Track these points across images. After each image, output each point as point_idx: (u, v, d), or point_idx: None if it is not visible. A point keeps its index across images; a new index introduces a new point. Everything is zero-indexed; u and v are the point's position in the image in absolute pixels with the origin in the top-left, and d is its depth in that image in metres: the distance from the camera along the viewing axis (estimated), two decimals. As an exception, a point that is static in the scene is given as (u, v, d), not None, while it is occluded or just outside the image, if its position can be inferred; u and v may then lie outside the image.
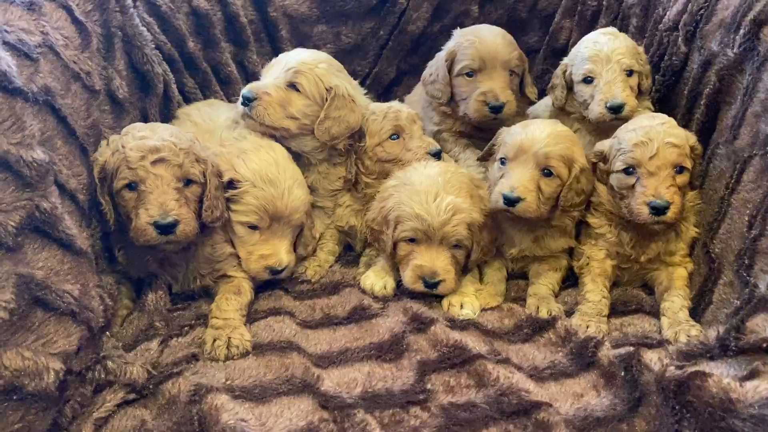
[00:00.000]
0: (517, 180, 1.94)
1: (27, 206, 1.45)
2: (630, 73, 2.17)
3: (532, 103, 2.56)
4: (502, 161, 2.02)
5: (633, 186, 1.87)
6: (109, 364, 1.58)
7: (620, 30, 2.61)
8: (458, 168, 2.17)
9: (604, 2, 2.73)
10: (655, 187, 1.83)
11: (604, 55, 2.17)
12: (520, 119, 2.35)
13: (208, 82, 2.70)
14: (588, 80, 2.20)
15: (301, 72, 2.17)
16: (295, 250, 2.11)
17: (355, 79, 3.03)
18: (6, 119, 1.46)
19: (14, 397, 1.35)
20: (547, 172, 1.95)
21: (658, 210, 1.82)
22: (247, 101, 2.13)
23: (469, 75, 2.34)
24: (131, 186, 1.76)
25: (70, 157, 1.76)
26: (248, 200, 1.98)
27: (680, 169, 1.86)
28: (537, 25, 3.03)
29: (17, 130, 1.48)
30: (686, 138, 1.89)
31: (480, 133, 2.46)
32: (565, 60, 2.33)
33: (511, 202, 1.93)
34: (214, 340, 1.75)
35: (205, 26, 2.67)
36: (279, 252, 2.02)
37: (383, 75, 3.05)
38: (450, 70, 2.38)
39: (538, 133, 1.97)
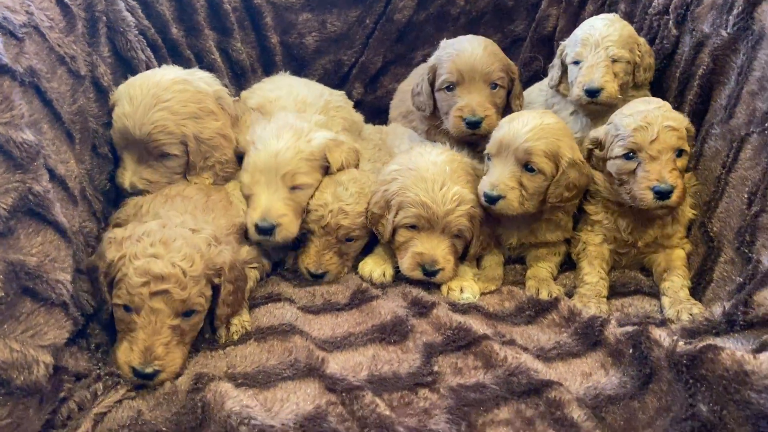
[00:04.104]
0: (497, 177, 1.92)
1: (20, 188, 1.39)
2: (615, 60, 2.16)
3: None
4: (488, 157, 1.99)
5: (634, 171, 1.85)
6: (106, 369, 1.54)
7: (608, 16, 2.64)
8: (463, 157, 2.12)
9: (590, -12, 2.73)
10: (659, 171, 1.81)
11: (594, 39, 2.17)
12: None
13: (192, 70, 2.64)
14: (577, 62, 2.20)
15: None
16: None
17: (341, 68, 3.03)
18: (-6, 98, 1.40)
19: (2, 391, 1.29)
20: (529, 168, 1.91)
21: (662, 194, 1.81)
22: None
23: (449, 89, 2.26)
24: (126, 308, 1.56)
25: (57, 142, 1.69)
26: None
27: (680, 153, 1.85)
28: (523, 13, 3.01)
29: (6, 110, 1.41)
30: (683, 121, 1.89)
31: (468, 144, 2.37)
32: (564, 42, 2.32)
33: (491, 199, 1.91)
34: (214, 321, 1.70)
35: (188, 12, 2.60)
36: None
37: (369, 64, 3.01)
38: (432, 83, 2.32)
39: (520, 127, 1.92)
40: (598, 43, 2.16)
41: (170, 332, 1.55)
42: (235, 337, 1.71)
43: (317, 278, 2.03)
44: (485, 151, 2.01)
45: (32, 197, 1.42)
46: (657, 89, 2.21)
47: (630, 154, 1.86)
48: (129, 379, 1.54)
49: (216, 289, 1.66)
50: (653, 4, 2.34)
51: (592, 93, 2.12)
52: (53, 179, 1.56)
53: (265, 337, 1.68)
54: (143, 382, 1.54)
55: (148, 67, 2.31)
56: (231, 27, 2.75)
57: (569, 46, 2.26)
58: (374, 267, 2.02)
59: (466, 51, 2.25)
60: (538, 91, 2.54)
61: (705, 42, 2.05)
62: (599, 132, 1.98)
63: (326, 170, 2.10)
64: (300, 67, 2.96)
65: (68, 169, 1.70)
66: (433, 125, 2.40)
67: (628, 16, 2.51)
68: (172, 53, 2.54)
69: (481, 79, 2.22)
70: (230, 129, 2.10)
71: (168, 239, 1.61)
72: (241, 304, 1.77)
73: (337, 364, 1.58)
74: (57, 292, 1.42)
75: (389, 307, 1.81)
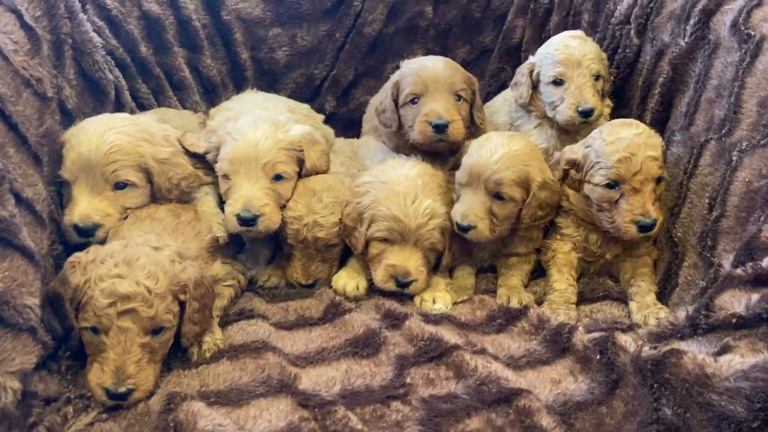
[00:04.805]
0: (467, 207, 1.94)
1: (-16, 214, 1.38)
2: (597, 77, 2.21)
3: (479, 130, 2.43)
4: (458, 184, 2.01)
5: (616, 201, 1.87)
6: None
7: (572, 26, 2.69)
8: (435, 170, 2.13)
9: (555, 0, 2.78)
10: (642, 204, 1.83)
11: (575, 59, 2.19)
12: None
13: (162, 88, 2.64)
14: (558, 82, 2.22)
15: None
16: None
17: (313, 82, 3.05)
18: (-43, 124, 1.39)
19: (-31, 419, 1.28)
20: (500, 197, 1.94)
21: (646, 228, 1.84)
22: None
23: (413, 101, 2.25)
24: (94, 330, 1.55)
25: (24, 165, 1.68)
26: None
27: (659, 179, 1.88)
28: (491, 25, 3.05)
29: (-31, 136, 1.41)
30: (660, 145, 1.90)
31: (438, 161, 2.36)
32: (532, 59, 2.33)
33: (463, 229, 1.94)
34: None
35: (156, 30, 2.60)
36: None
37: (341, 77, 3.03)
38: (396, 100, 2.32)
39: (488, 156, 1.93)
40: (580, 62, 2.19)
41: (140, 350, 1.55)
42: (208, 355, 1.71)
43: (309, 287, 2.08)
44: (456, 182, 2.02)
45: (-2, 222, 1.42)
46: (620, 97, 2.26)
47: (612, 184, 1.87)
48: (103, 401, 1.53)
49: (183, 306, 1.67)
50: (615, 14, 2.39)
51: (587, 113, 2.16)
52: (20, 203, 1.56)
53: (237, 355, 1.69)
54: (117, 402, 1.53)
55: (116, 87, 2.32)
56: (200, 44, 2.76)
57: (543, 66, 2.26)
58: (348, 280, 2.03)
59: (429, 65, 2.28)
60: (503, 100, 2.57)
61: (665, 51, 2.10)
62: (576, 153, 1.98)
63: (301, 165, 2.12)
64: (271, 82, 2.98)
65: (36, 192, 1.69)
66: (399, 143, 2.40)
67: (592, 26, 2.57)
68: (141, 71, 2.54)
69: (445, 89, 2.23)
70: (181, 155, 2.09)
71: (131, 258, 1.61)
72: (209, 321, 1.77)
73: (309, 379, 1.59)
74: (25, 317, 1.42)
75: (362, 320, 1.82)
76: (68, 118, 2.03)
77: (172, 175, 1.99)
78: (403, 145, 2.37)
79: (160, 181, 1.98)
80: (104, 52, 2.26)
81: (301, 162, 2.11)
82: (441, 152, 2.31)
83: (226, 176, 2.04)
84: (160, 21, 2.60)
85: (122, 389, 1.51)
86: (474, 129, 2.33)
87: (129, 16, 2.49)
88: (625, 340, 1.54)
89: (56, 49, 2.03)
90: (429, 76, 2.24)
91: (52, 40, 2.01)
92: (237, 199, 1.98)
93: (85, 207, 1.88)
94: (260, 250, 2.20)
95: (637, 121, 1.94)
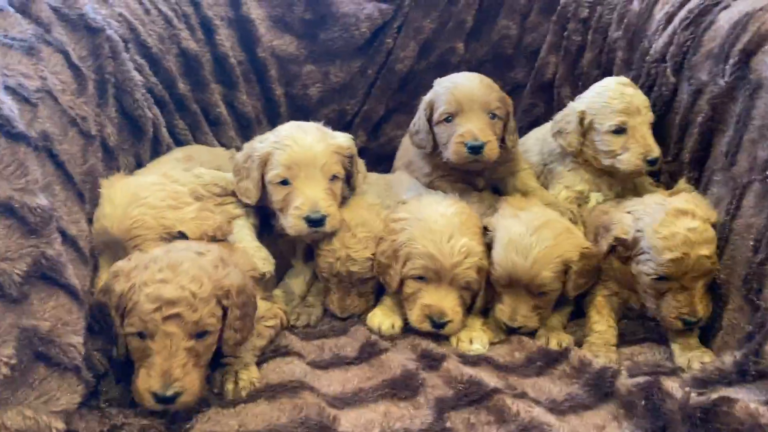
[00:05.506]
0: (512, 310, 1.95)
1: (33, 253, 1.40)
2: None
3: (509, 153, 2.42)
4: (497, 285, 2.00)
5: (663, 293, 1.86)
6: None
7: (606, 63, 2.70)
8: (472, 210, 2.13)
9: (588, 37, 2.79)
10: (690, 303, 1.81)
11: (635, 107, 2.19)
12: (505, 166, 2.37)
13: (199, 124, 2.68)
14: (619, 131, 2.19)
15: None
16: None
17: (344, 117, 3.09)
18: (9, 164, 1.42)
19: (15, 459, 1.28)
20: (542, 293, 1.95)
21: (690, 324, 1.83)
22: None
23: (447, 120, 2.25)
24: (141, 335, 1.57)
25: (68, 203, 1.71)
26: None
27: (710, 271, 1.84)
28: (523, 60, 3.07)
29: (20, 176, 1.44)
30: (714, 239, 1.83)
31: (472, 178, 2.41)
32: (578, 106, 2.29)
33: (512, 330, 1.97)
34: (223, 376, 1.71)
35: (194, 67, 2.66)
36: None
37: (372, 113, 3.07)
38: (430, 119, 2.33)
39: (522, 261, 1.91)
40: (639, 110, 2.19)
41: (186, 354, 1.56)
42: (244, 393, 1.70)
43: (345, 320, 2.12)
44: (492, 279, 1.99)
45: (45, 261, 1.44)
46: (657, 135, 2.24)
47: (662, 277, 1.84)
48: (151, 406, 1.54)
49: (225, 312, 1.68)
50: (650, 52, 2.38)
51: (654, 162, 2.17)
52: (65, 241, 1.58)
53: (275, 395, 1.67)
54: (165, 407, 1.55)
55: (154, 125, 2.36)
56: (236, 80, 2.81)
57: (599, 114, 2.22)
58: (383, 319, 2.01)
59: (464, 83, 2.30)
60: (535, 140, 2.56)
61: (703, 90, 2.09)
62: (627, 233, 1.90)
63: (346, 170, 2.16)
64: (304, 117, 2.95)
65: (80, 229, 1.72)
66: (435, 165, 2.40)
67: (626, 64, 2.57)
68: (178, 107, 2.59)
69: (480, 108, 2.23)
70: (209, 205, 2.09)
71: (175, 263, 1.62)
72: (251, 330, 1.78)
73: (348, 421, 1.57)
74: (69, 356, 1.43)
75: (399, 360, 1.81)
76: (110, 156, 2.08)
77: (204, 230, 1.98)
78: (440, 169, 2.38)
79: (194, 238, 1.96)
80: (144, 90, 2.31)
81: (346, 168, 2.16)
82: (475, 170, 2.32)
83: (283, 182, 2.05)
84: (198, 58, 2.65)
85: (170, 392, 1.52)
86: (505, 152, 2.32)
87: (168, 54, 2.54)
88: (672, 385, 1.51)
89: (100, 87, 2.08)
90: (463, 94, 2.25)
91: (97, 79, 2.06)
92: (303, 202, 2.00)
93: None
94: (296, 284, 2.21)
95: (693, 208, 1.85)
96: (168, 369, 1.53)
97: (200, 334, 1.60)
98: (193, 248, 1.74)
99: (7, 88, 1.53)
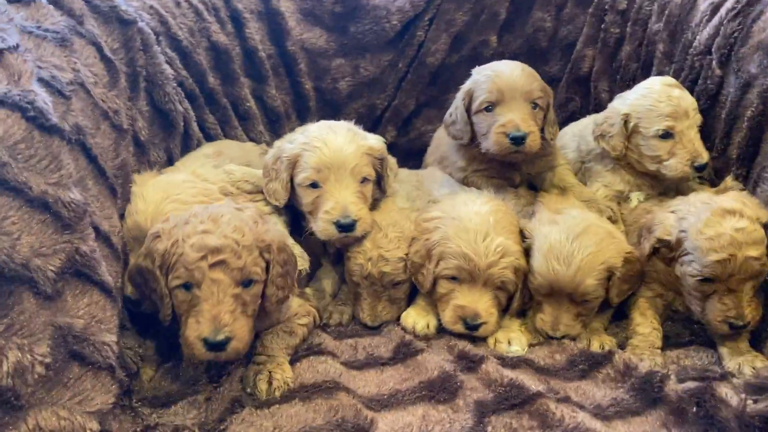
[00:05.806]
0: (554, 319, 1.90)
1: (67, 249, 1.37)
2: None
3: (549, 146, 2.36)
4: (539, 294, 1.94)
5: (709, 295, 1.78)
6: None
7: (645, 56, 2.61)
8: (508, 208, 2.07)
9: (627, 29, 2.70)
10: (737, 305, 1.73)
11: (683, 110, 2.10)
12: (543, 161, 2.31)
13: (228, 118, 2.67)
14: (666, 135, 2.11)
15: None
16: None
17: (374, 111, 3.04)
18: (43, 158, 1.39)
19: (49, 459, 1.25)
20: (585, 301, 1.89)
21: (738, 327, 1.75)
22: None
23: (488, 109, 2.18)
24: (186, 286, 1.58)
25: (101, 198, 1.69)
26: None
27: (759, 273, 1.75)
28: (558, 54, 3.00)
29: (54, 170, 1.41)
30: (763, 240, 1.74)
31: (509, 172, 2.34)
32: (621, 108, 2.19)
33: (553, 338, 1.92)
34: (256, 375, 1.68)
35: (224, 61, 2.64)
36: None
37: (402, 107, 3.02)
38: (468, 108, 2.26)
39: (564, 270, 1.84)
40: (687, 114, 2.10)
41: (233, 301, 1.57)
42: (278, 394, 1.66)
43: (376, 329, 2.03)
44: (532, 288, 1.94)
45: (79, 257, 1.41)
46: (702, 130, 2.16)
47: (707, 279, 1.76)
48: (201, 355, 1.56)
49: (268, 267, 1.68)
50: (694, 44, 2.30)
51: (702, 168, 2.09)
52: (98, 236, 1.56)
53: (309, 396, 1.63)
54: (216, 355, 1.56)
55: (185, 119, 2.34)
56: (266, 74, 2.78)
57: (645, 118, 2.13)
58: (417, 318, 1.96)
59: (505, 71, 2.22)
60: (571, 135, 2.49)
61: (752, 83, 2.00)
62: (670, 234, 1.84)
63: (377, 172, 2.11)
64: (333, 112, 2.97)
65: (112, 224, 1.69)
66: (471, 157, 2.34)
67: (667, 57, 2.48)
68: (208, 102, 2.57)
69: (522, 97, 2.17)
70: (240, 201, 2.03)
71: (216, 216, 1.65)
72: (292, 289, 1.78)
73: (386, 424, 1.52)
74: (104, 354, 1.40)
75: (435, 361, 1.75)
76: (141, 150, 2.05)
77: None
78: (476, 161, 2.32)
79: None
80: (175, 84, 2.29)
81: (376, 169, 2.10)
82: (513, 163, 2.27)
83: (313, 185, 2.01)
84: (228, 51, 2.63)
85: (220, 337, 1.53)
86: (545, 143, 2.26)
87: (198, 47, 2.52)
88: (726, 392, 1.45)
89: (131, 81, 2.06)
90: (505, 83, 2.18)
91: (128, 72, 2.04)
92: (333, 206, 1.96)
93: None
94: (327, 282, 2.17)
95: (741, 207, 1.76)
96: (217, 314, 1.54)
97: (246, 283, 1.61)
98: (231, 205, 1.75)
99: (40, 80, 1.50)
